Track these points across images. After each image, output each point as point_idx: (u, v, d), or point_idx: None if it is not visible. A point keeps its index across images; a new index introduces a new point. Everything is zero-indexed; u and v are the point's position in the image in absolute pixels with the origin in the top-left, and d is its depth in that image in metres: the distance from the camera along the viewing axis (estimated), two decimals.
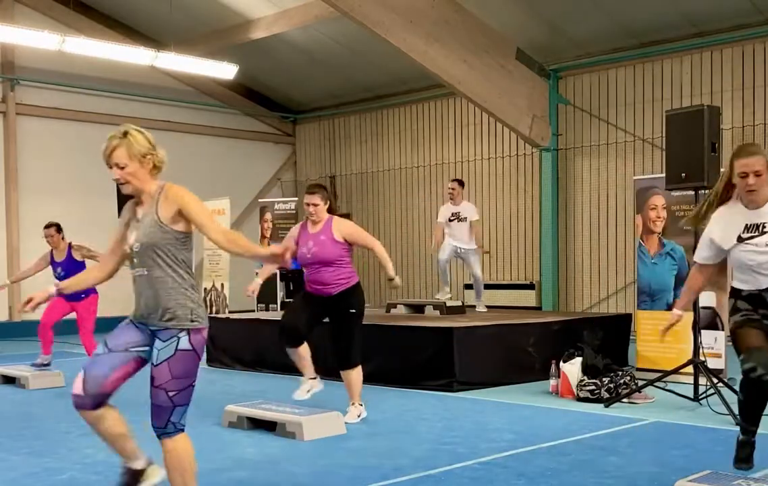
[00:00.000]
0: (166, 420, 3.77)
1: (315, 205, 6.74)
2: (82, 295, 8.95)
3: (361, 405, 6.90)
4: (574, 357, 7.91)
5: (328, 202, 6.85)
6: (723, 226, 4.42)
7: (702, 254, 4.58)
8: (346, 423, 6.51)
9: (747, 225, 4.32)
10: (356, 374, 6.89)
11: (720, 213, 4.47)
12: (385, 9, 11.59)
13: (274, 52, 16.26)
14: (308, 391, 6.99)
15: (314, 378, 7.02)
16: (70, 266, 9.08)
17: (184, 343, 3.85)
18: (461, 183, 11.16)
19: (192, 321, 3.90)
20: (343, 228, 6.75)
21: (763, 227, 4.31)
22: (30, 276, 9.68)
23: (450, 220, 10.91)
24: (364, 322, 9.65)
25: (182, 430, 3.83)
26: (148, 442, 4.16)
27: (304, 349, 6.89)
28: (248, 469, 5.27)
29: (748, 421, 4.36)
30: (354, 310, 6.87)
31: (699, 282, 4.82)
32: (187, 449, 3.84)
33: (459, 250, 10.91)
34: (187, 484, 3.82)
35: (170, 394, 3.74)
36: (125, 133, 3.97)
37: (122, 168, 3.93)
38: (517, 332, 9.07)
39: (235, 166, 18.10)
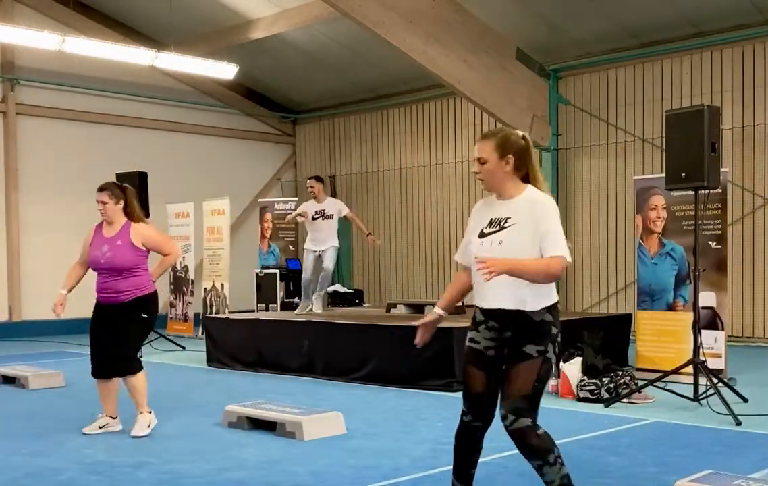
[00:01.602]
0: None
1: (103, 203, 6.32)
2: None
3: (150, 412, 6.43)
4: (574, 357, 7.91)
5: (122, 202, 6.37)
6: (476, 219, 3.94)
7: (459, 252, 3.97)
8: (135, 437, 6.21)
9: (491, 219, 3.82)
10: (141, 380, 6.38)
11: (477, 206, 4.02)
12: (385, 9, 11.59)
13: (274, 52, 16.26)
14: (101, 426, 6.46)
15: (115, 418, 6.53)
16: None
17: None
18: (319, 179, 11.04)
19: None
20: (142, 232, 6.35)
21: (505, 222, 3.74)
22: None
23: (314, 218, 10.76)
24: (363, 322, 9.68)
25: None
26: None
27: (115, 384, 6.47)
28: (248, 469, 5.27)
29: (456, 474, 3.93)
30: (146, 316, 6.37)
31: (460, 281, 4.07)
32: None
33: (318, 254, 10.72)
34: None
35: None
36: None
37: None
38: None
39: (235, 166, 18.10)
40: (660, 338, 8.78)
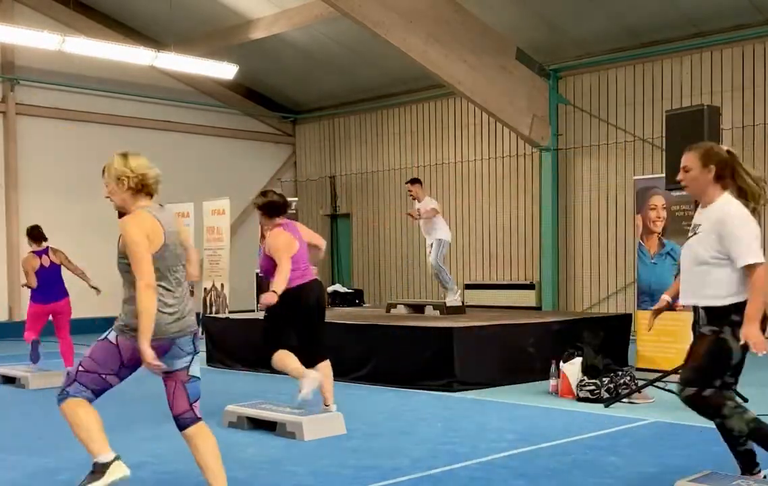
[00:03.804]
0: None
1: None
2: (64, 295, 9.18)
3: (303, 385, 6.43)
4: (574, 357, 7.91)
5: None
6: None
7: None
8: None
9: (693, 223, 4.30)
10: (279, 358, 6.57)
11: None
12: (385, 9, 11.59)
13: (274, 52, 16.26)
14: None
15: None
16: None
17: (112, 336, 4.19)
18: (413, 181, 11.30)
19: (121, 328, 4.15)
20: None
21: (696, 229, 4.22)
22: None
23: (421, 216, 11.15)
24: (363, 322, 9.74)
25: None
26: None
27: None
28: (248, 469, 5.27)
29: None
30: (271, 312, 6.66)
31: None
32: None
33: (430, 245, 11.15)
34: None
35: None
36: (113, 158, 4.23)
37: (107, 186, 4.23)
38: (517, 332, 9.07)
39: (235, 166, 18.10)
40: (660, 338, 8.76)
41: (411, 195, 11.22)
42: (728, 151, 4.26)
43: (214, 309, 14.36)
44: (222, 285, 14.48)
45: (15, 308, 15.21)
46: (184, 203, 15.15)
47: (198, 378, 4.23)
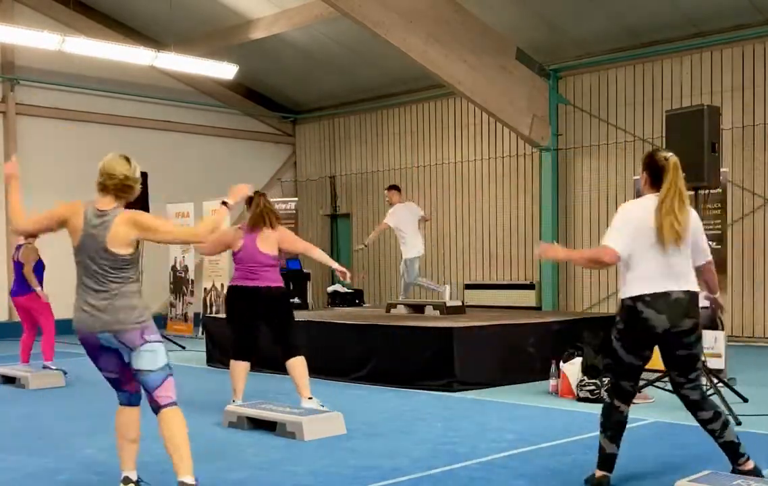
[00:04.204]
0: None
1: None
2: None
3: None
4: (574, 357, 7.91)
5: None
6: None
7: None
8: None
9: None
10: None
11: None
12: (385, 9, 11.59)
13: (274, 52, 16.26)
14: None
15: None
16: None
17: None
18: (390, 188, 11.78)
19: None
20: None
21: None
22: None
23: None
24: (363, 322, 9.72)
25: None
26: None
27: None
28: (248, 469, 5.27)
29: None
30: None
31: None
32: None
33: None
34: None
35: None
36: None
37: None
38: (517, 332, 9.07)
39: (235, 166, 18.08)
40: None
41: (387, 200, 11.67)
42: (666, 158, 4.50)
43: (214, 309, 14.36)
44: (222, 285, 14.47)
45: (14, 309, 15.19)
46: (184, 203, 15.15)
47: (148, 370, 4.31)
